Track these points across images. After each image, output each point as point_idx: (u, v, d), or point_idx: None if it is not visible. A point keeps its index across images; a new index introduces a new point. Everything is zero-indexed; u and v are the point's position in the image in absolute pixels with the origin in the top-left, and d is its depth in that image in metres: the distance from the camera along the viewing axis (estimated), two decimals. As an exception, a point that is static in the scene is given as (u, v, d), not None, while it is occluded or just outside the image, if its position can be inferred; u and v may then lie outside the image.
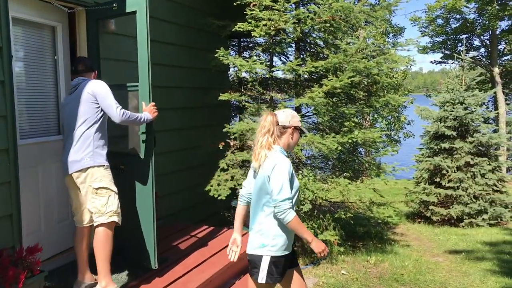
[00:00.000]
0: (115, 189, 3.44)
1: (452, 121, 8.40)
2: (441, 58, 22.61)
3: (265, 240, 2.68)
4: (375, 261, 5.62)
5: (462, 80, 8.86)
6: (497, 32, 20.46)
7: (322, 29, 5.65)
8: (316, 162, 6.36)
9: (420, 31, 22.36)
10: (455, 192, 8.12)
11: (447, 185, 8.26)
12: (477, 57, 21.93)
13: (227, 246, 4.84)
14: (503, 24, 20.68)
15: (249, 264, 2.78)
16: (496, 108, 19.82)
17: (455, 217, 8.08)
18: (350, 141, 5.51)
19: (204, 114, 6.19)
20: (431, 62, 21.27)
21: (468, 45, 22.02)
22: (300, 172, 5.56)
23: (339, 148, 5.49)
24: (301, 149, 5.42)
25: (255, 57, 5.66)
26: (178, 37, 5.77)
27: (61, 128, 3.92)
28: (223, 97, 5.40)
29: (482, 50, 22.41)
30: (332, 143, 5.36)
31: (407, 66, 23.50)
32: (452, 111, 8.40)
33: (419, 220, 8.78)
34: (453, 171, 8.25)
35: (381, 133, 5.70)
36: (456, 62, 9.07)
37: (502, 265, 5.49)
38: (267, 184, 2.64)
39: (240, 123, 5.34)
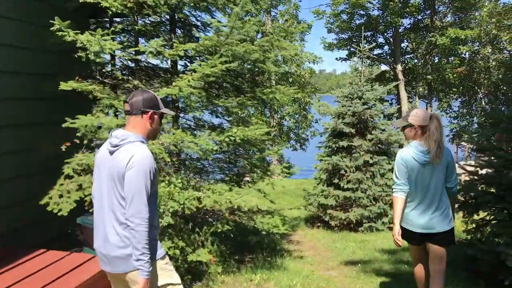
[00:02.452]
0: None
1: (350, 117, 8.02)
2: (346, 55, 22.98)
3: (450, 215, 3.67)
4: (259, 280, 4.92)
5: (361, 73, 8.53)
6: (400, 30, 21.17)
7: (192, 4, 4.83)
8: (194, 164, 5.53)
9: (326, 28, 22.55)
10: (354, 194, 7.73)
11: (345, 186, 7.85)
12: (382, 55, 22.58)
13: (62, 276, 3.90)
14: (406, 22, 21.46)
15: (440, 238, 3.63)
16: (399, 105, 20.45)
17: (354, 222, 7.69)
18: (227, 139, 4.76)
19: (48, 107, 5.11)
20: (336, 59, 21.45)
21: (373, 42, 22.58)
22: (167, 178, 4.69)
23: (215, 148, 4.72)
24: (166, 151, 4.55)
25: (109, 33, 4.67)
26: (9, 9, 4.66)
27: None
28: (65, 86, 4.38)
29: (386, 48, 23.15)
30: (206, 142, 4.58)
31: (314, 63, 23.66)
32: (350, 106, 8.01)
33: (319, 224, 8.32)
34: (352, 171, 7.87)
35: (264, 131, 5.00)
36: (361, 59, 8.65)
37: (399, 278, 5.03)
38: (445, 170, 3.61)
39: (87, 117, 4.35)
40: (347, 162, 7.90)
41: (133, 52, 4.95)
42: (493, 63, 23.23)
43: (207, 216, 5.32)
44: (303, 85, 24.66)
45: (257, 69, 5.65)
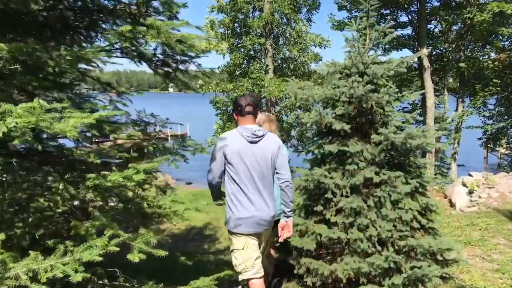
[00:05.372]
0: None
1: (345, 105, 5.11)
2: (360, 36, 20.04)
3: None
4: None
5: (366, 35, 5.61)
6: (427, 6, 18.12)
7: None
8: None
9: (337, 3, 19.58)
10: (347, 234, 4.84)
11: (333, 219, 4.97)
12: (404, 37, 19.54)
13: None
14: None
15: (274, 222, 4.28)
16: (424, 100, 17.38)
17: (344, 280, 4.80)
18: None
19: None
20: (346, 40, 18.40)
21: (394, 22, 19.58)
22: None
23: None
24: None
25: None
26: None
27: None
28: None
29: (410, 30, 20.16)
30: None
31: (321, 46, 20.74)
32: (345, 87, 5.11)
33: (288, 280, 5.43)
34: (345, 194, 4.96)
35: (98, 116, 2.15)
36: (367, 13, 5.66)
37: None
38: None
39: None
40: (337, 179, 4.99)
41: None
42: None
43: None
44: (307, 73, 21.81)
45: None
